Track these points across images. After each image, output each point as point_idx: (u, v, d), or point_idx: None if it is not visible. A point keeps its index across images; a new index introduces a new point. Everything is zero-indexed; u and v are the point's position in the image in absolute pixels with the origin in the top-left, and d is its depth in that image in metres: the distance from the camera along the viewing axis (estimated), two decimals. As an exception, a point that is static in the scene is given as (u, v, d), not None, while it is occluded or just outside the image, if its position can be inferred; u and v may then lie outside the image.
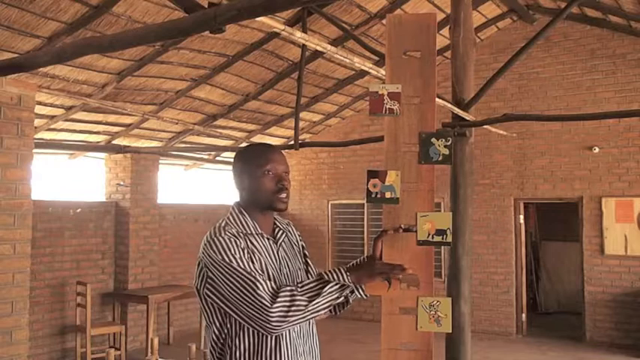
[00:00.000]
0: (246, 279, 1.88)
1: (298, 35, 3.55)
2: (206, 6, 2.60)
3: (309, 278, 2.20)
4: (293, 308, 1.84)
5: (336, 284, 1.90)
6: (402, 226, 1.97)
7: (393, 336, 1.97)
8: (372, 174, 2.01)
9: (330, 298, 1.89)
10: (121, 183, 8.09)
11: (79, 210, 7.63)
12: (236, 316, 1.95)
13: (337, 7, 6.85)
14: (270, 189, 2.05)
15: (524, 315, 8.83)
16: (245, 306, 1.88)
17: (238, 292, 1.88)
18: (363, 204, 9.70)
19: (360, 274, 1.95)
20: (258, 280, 1.88)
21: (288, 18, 6.67)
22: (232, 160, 2.18)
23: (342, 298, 1.92)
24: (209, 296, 1.98)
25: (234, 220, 2.06)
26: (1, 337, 3.83)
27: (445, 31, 6.67)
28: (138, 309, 7.92)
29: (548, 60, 8.65)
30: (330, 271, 1.95)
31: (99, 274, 7.82)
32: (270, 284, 1.89)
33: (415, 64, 2.03)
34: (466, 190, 5.45)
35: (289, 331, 1.99)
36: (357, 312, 9.81)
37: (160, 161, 8.65)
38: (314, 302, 1.87)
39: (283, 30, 3.29)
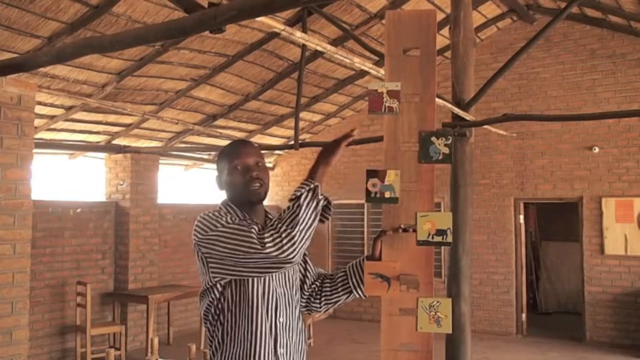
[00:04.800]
0: (238, 233, 1.92)
1: (298, 35, 3.55)
2: (206, 6, 2.60)
3: (307, 274, 2.23)
4: (283, 235, 1.87)
5: (307, 192, 1.94)
6: (402, 226, 1.97)
7: (392, 337, 1.96)
8: (371, 173, 2.00)
9: (311, 207, 1.93)
10: (122, 183, 8.09)
11: (79, 210, 7.63)
12: (249, 273, 1.96)
13: (337, 7, 6.85)
14: (240, 182, 2.09)
15: (524, 315, 8.83)
16: (248, 257, 1.90)
17: (237, 247, 1.91)
18: (363, 204, 9.69)
19: (317, 167, 2.02)
20: (251, 228, 1.92)
21: (288, 18, 6.67)
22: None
23: (321, 201, 1.97)
24: (215, 272, 1.99)
25: (223, 211, 2.09)
26: (1, 337, 3.83)
27: (445, 31, 6.67)
28: (138, 309, 7.92)
29: (548, 60, 8.65)
30: (296, 190, 1.98)
31: (99, 274, 7.82)
32: (257, 227, 1.94)
33: (415, 62, 2.01)
34: (466, 190, 5.45)
35: (277, 320, 2.02)
36: (357, 312, 9.82)
37: (160, 161, 8.64)
38: (300, 219, 1.90)
39: (283, 30, 3.29)
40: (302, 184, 1.98)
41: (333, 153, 2.07)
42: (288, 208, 1.95)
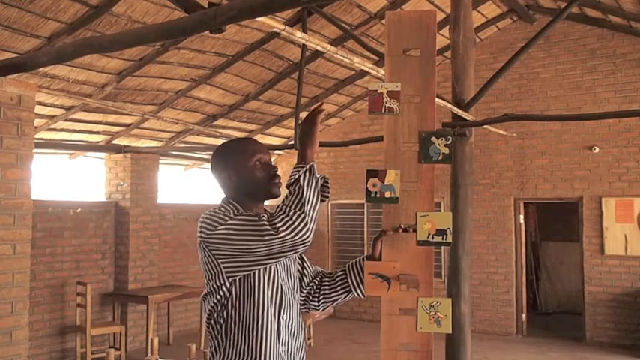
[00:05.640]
0: (248, 222, 1.92)
1: (298, 35, 3.55)
2: (206, 6, 2.60)
3: (305, 272, 2.23)
4: (294, 218, 1.88)
5: (304, 173, 1.94)
6: (402, 226, 1.97)
7: (392, 336, 1.97)
8: (371, 173, 2.01)
9: (312, 187, 1.93)
10: (122, 183, 8.09)
11: (79, 210, 7.63)
12: (265, 261, 1.95)
13: (337, 7, 6.85)
14: (264, 177, 2.09)
15: (524, 315, 8.83)
16: (263, 245, 1.89)
17: (250, 236, 1.90)
18: (363, 204, 9.70)
19: (305, 150, 2.00)
20: (259, 218, 1.92)
21: (288, 18, 6.67)
22: (211, 160, 2.18)
23: (320, 179, 1.97)
24: (229, 266, 1.98)
25: (226, 207, 2.07)
26: (1, 337, 3.83)
27: (445, 31, 6.67)
28: (138, 309, 7.92)
29: (548, 60, 8.65)
30: (292, 174, 1.97)
31: (99, 274, 7.82)
32: (265, 215, 1.94)
33: (415, 62, 2.02)
34: (466, 190, 5.45)
35: (278, 322, 2.01)
36: (357, 312, 9.82)
37: (160, 161, 8.64)
38: (305, 199, 1.90)
39: (283, 30, 3.29)
40: (296, 167, 1.97)
41: (313, 132, 2.03)
42: (290, 192, 1.94)
